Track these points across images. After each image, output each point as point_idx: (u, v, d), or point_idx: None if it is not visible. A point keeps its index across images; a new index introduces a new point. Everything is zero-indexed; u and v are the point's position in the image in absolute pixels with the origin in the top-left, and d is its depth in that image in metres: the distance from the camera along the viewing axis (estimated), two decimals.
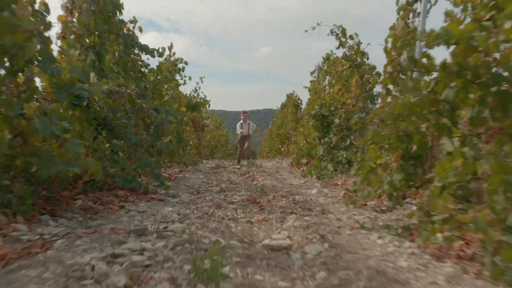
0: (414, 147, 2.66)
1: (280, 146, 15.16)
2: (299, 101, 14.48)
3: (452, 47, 2.28)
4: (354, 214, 3.14)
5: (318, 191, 4.70)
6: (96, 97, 2.94)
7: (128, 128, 3.34)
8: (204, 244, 2.03)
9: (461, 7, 3.18)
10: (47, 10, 2.95)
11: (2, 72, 2.22)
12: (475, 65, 2.11)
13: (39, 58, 2.26)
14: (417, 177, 3.49)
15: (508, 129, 2.00)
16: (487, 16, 2.58)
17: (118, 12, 4.42)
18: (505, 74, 2.19)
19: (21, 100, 2.40)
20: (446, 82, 2.22)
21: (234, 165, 10.58)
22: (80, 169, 2.72)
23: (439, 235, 2.15)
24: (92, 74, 3.08)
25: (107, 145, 3.69)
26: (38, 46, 2.13)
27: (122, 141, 3.61)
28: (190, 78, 9.27)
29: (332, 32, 6.16)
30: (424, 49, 2.37)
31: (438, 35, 2.16)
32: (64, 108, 2.91)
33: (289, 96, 16.42)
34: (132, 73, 4.89)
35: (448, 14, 3.22)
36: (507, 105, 2.09)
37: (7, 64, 2.12)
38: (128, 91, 3.45)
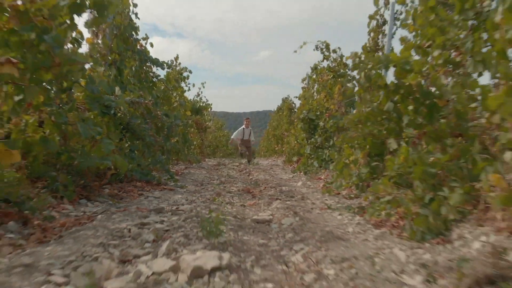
0: (367, 147, 3.23)
1: (275, 146, 15.72)
2: (293, 105, 15.04)
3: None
4: (326, 200, 3.70)
5: (303, 184, 5.27)
6: (121, 107, 3.50)
7: (146, 131, 3.89)
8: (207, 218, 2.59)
9: (413, 33, 3.74)
10: (82, 37, 3.50)
11: (54, 90, 2.78)
12: (408, 84, 2.67)
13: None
14: (379, 170, 4.05)
15: (430, 133, 2.57)
16: (427, 44, 3.16)
17: (134, 33, 4.98)
18: (434, 90, 2.76)
19: (65, 110, 2.96)
20: (388, 97, 2.78)
21: (233, 163, 11.13)
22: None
23: (383, 212, 2.71)
24: (117, 88, 3.64)
25: (126, 144, 4.26)
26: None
27: (138, 142, 4.16)
28: (193, 85, 9.82)
29: (317, 47, 6.74)
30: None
31: (380, 60, 2.73)
32: (95, 116, 3.47)
33: (284, 100, 16.98)
34: (145, 83, 5.45)
35: (402, 40, 3.79)
36: (433, 114, 2.66)
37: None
38: (146, 101, 4.02)
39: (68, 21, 2.38)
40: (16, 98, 2.26)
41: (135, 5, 4.71)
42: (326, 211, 3.07)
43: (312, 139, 6.83)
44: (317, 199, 3.84)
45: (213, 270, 1.45)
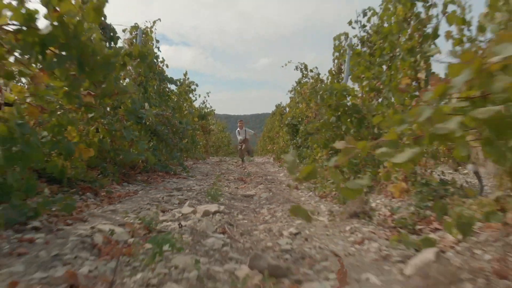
0: (328, 147, 4.22)
1: (268, 146, 16.71)
2: (284, 111, 16.02)
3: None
4: (297, 184, 4.67)
5: (284, 175, 6.25)
6: (150, 117, 4.47)
7: (167, 135, 4.87)
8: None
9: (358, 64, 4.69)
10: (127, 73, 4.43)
11: (108, 108, 3.75)
12: (344, 104, 3.66)
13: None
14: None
15: (357, 137, 3.55)
16: (361, 75, 4.15)
17: (156, 60, 5.96)
18: (363, 108, 3.75)
19: (114, 121, 3.93)
20: (332, 113, 3.77)
21: (233, 160, 12.10)
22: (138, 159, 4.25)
23: (327, 189, 3.69)
24: (146, 104, 4.61)
25: (151, 144, 5.23)
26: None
27: (161, 143, 5.13)
28: (199, 96, 10.80)
29: (297, 67, 7.74)
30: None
31: (327, 88, 3.72)
32: (132, 124, 4.44)
33: (277, 106, 17.96)
34: (163, 97, 6.43)
35: (352, 72, 4.77)
36: (360, 124, 3.65)
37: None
38: (166, 113, 4.99)
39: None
40: (90, 115, 3.24)
41: (157, 41, 5.69)
42: (294, 191, 4.05)
43: (294, 141, 7.81)
44: (291, 183, 4.81)
45: (214, 213, 2.43)
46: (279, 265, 1.36)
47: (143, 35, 5.48)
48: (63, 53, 1.84)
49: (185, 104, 8.02)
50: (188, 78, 9.85)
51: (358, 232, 1.97)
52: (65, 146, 2.69)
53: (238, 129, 11.81)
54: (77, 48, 1.83)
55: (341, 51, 5.74)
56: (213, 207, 2.48)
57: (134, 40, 5.36)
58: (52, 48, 1.87)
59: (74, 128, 3.08)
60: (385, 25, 3.67)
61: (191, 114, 8.35)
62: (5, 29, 1.93)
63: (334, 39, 5.55)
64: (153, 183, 4.46)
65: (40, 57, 1.85)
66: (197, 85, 10.00)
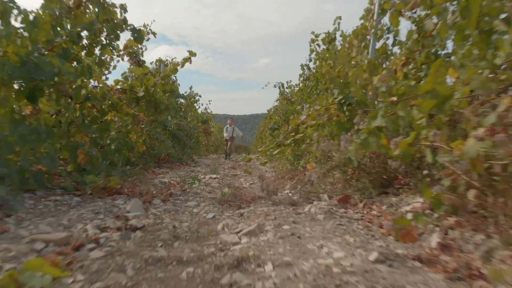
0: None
1: (259, 147, 19.00)
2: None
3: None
4: (271, 169, 6.92)
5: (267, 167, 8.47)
6: (172, 126, 6.68)
7: (182, 137, 7.09)
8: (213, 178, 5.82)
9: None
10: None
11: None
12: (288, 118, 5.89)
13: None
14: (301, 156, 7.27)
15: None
16: (301, 101, 6.37)
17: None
18: None
19: (152, 128, 6.14)
20: (281, 123, 6.00)
21: (229, 156, 14.32)
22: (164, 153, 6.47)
23: (282, 166, 5.91)
24: (170, 117, 6.83)
25: (172, 143, 7.44)
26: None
27: (179, 143, 7.35)
28: (202, 104, 12.98)
29: (275, 86, 9.96)
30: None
31: (283, 109, 5.93)
32: (161, 130, 6.66)
33: (269, 110, 20.20)
34: (178, 110, 8.64)
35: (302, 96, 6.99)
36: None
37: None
38: (182, 122, 7.18)
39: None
40: (145, 129, 5.46)
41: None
42: (266, 171, 6.28)
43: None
44: (266, 171, 7.05)
45: (214, 178, 4.66)
46: (239, 187, 3.59)
47: (165, 66, 7.66)
48: (147, 104, 4.06)
49: (190, 114, 10.22)
50: (193, 91, 12.07)
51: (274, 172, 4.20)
52: (131, 144, 4.91)
53: (228, 126, 11.70)
54: (154, 102, 4.04)
55: (303, 78, 7.96)
56: (214, 176, 4.71)
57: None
58: (142, 101, 4.09)
59: (134, 134, 5.29)
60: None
61: (195, 119, 10.57)
62: (119, 90, 4.15)
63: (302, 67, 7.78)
64: (174, 168, 6.67)
65: (136, 105, 4.07)
66: (200, 96, 12.21)
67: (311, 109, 3.61)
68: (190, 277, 1.25)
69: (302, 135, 3.60)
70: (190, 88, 11.89)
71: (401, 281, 1.13)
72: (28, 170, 2.60)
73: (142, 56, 4.97)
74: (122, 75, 4.09)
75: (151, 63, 7.84)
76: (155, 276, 1.25)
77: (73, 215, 2.05)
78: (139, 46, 4.81)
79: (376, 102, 2.39)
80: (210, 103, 15.54)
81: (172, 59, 7.40)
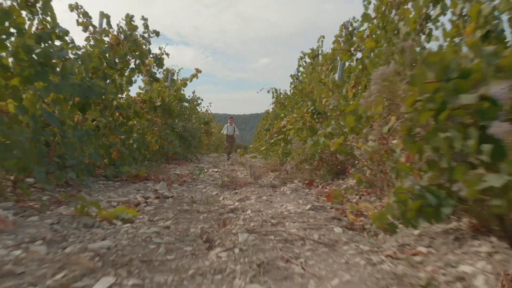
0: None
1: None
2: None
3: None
4: (264, 165, 7.92)
5: (259, 161, 9.48)
6: (179, 128, 7.67)
7: (187, 138, 8.08)
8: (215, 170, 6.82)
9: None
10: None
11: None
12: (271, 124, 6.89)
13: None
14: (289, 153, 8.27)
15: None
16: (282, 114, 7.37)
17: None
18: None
19: (164, 131, 7.13)
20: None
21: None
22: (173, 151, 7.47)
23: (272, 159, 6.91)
24: (177, 120, 7.83)
25: (178, 143, 8.44)
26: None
27: (184, 142, 8.35)
28: (204, 107, 13.99)
29: (268, 91, 10.95)
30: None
31: (270, 115, 6.91)
32: (170, 131, 7.66)
33: (266, 112, 21.18)
34: (183, 113, 9.64)
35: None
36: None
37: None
38: (188, 125, 8.17)
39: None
40: (155, 129, 6.46)
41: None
42: (256, 163, 7.29)
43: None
44: (260, 164, 8.05)
45: (216, 171, 5.66)
46: (235, 177, 4.59)
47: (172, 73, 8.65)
48: (162, 111, 5.06)
49: (193, 116, 11.22)
50: (196, 95, 13.07)
51: (265, 166, 5.18)
52: (146, 144, 5.90)
53: (228, 124, 11.71)
54: (168, 109, 5.03)
55: (293, 86, 8.94)
56: (216, 169, 5.71)
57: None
58: (159, 109, 5.09)
59: (149, 135, 6.29)
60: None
61: (197, 121, 11.57)
62: (140, 101, 5.15)
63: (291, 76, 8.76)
64: (181, 164, 7.67)
65: (154, 113, 5.06)
66: (202, 100, 13.19)
67: (291, 116, 4.60)
68: (204, 217, 2.24)
69: (283, 136, 4.57)
70: (193, 92, 12.90)
71: (317, 215, 2.13)
72: (83, 162, 3.59)
73: (158, 73, 5.97)
74: (142, 89, 5.08)
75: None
76: (185, 216, 2.24)
77: (122, 191, 3.04)
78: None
79: (329, 114, 3.39)
80: (210, 105, 16.48)
81: (179, 70, 8.37)
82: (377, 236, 1.72)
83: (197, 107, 13.09)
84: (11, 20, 2.49)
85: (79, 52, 3.54)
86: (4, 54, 2.53)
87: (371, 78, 1.72)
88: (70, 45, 3.44)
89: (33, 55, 2.65)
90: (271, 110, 18.35)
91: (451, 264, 1.30)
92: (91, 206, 2.03)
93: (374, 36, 3.17)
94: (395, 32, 2.82)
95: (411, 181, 1.50)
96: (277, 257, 1.40)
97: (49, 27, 3.08)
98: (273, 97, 11.09)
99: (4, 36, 2.50)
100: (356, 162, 3.04)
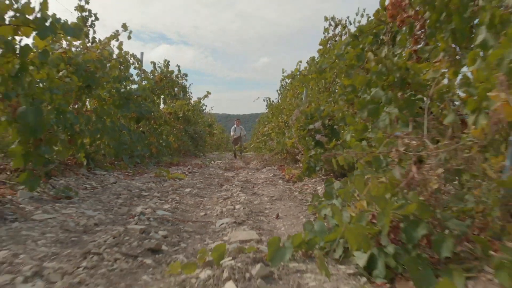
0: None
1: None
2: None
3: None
4: (253, 155, 10.02)
5: (252, 155, 11.56)
6: (190, 131, 9.73)
7: (198, 139, 10.14)
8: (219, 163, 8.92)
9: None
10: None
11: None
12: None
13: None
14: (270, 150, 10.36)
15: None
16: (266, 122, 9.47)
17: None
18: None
19: (183, 134, 9.20)
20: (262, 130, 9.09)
21: (229, 153, 17.41)
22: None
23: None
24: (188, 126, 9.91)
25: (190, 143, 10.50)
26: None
27: (193, 142, 10.44)
28: (206, 111, 16.09)
29: (264, 100, 13.01)
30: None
31: (261, 119, 8.99)
32: (184, 134, 9.74)
33: (261, 115, 23.27)
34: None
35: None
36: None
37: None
38: (197, 128, 10.21)
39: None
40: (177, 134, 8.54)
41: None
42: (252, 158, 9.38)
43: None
44: (252, 156, 10.15)
45: (220, 162, 7.74)
46: (234, 164, 6.67)
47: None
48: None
49: (199, 120, 13.32)
50: (201, 102, 15.11)
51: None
52: (169, 143, 7.97)
53: (235, 126, 12.13)
54: (187, 119, 7.10)
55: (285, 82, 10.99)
56: (220, 161, 7.79)
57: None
58: (181, 119, 7.16)
59: (171, 137, 8.36)
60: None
61: (203, 124, 13.67)
62: (168, 113, 7.22)
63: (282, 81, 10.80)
64: (193, 158, 9.74)
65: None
66: (206, 106, 15.25)
67: (271, 123, 6.68)
68: (217, 180, 4.31)
69: (265, 137, 6.65)
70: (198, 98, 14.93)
71: (273, 177, 4.22)
72: (139, 155, 5.65)
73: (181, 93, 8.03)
74: (169, 105, 7.14)
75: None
76: (207, 178, 4.32)
77: (170, 170, 5.12)
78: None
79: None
80: (212, 109, 18.59)
81: (189, 85, 10.43)
82: (295, 182, 3.79)
83: (202, 112, 15.15)
84: (112, 74, 4.53)
85: (136, 86, 5.61)
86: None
87: (294, 113, 3.80)
88: (132, 81, 5.50)
89: (120, 93, 4.70)
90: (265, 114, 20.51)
91: (315, 187, 3.36)
92: (163, 172, 4.09)
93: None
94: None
95: (305, 158, 3.57)
96: (250, 187, 3.48)
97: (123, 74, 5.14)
98: (267, 105, 13.16)
99: (105, 83, 4.55)
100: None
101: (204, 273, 1.21)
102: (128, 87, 4.74)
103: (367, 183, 1.36)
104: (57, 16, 2.50)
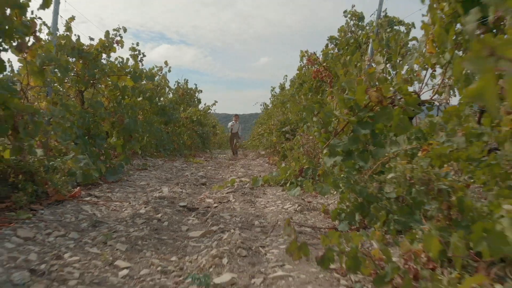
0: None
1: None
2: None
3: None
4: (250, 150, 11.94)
5: (249, 151, 13.50)
6: (200, 131, 11.64)
7: (205, 138, 12.05)
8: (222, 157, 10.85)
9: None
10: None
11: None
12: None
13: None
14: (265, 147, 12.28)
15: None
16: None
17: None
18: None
19: (196, 135, 11.11)
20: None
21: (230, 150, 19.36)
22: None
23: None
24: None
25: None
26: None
27: (203, 140, 12.38)
28: (211, 113, 18.03)
29: (260, 104, 14.88)
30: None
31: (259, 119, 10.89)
32: (194, 133, 11.66)
33: (259, 116, 25.17)
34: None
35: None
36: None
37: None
38: (204, 128, 12.10)
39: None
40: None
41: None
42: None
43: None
44: (253, 158, 12.06)
45: (224, 156, 9.67)
46: (237, 158, 8.59)
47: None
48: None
49: (207, 122, 15.26)
50: (205, 103, 17.04)
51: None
52: (184, 141, 9.89)
53: (233, 122, 11.71)
54: (200, 122, 9.02)
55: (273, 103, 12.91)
56: (222, 156, 9.72)
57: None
58: (195, 122, 9.09)
59: (185, 136, 10.29)
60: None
61: (208, 125, 15.60)
62: (185, 117, 9.15)
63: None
64: (202, 154, 11.65)
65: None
66: (210, 108, 17.20)
67: (264, 126, 8.60)
68: (225, 164, 6.23)
69: (260, 137, 8.58)
70: (205, 104, 16.84)
71: (263, 163, 6.15)
72: (169, 149, 7.57)
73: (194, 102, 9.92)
74: (186, 112, 9.04)
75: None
76: (218, 163, 6.25)
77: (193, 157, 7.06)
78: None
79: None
80: (214, 110, 20.52)
81: (199, 91, 12.37)
82: (275, 165, 5.73)
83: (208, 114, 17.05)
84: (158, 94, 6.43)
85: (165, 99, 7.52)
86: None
87: (274, 121, 5.72)
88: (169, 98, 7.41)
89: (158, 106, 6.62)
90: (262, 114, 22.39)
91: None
92: (190, 159, 6.02)
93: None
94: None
95: (281, 149, 5.49)
96: (246, 167, 5.41)
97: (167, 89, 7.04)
98: (263, 109, 15.04)
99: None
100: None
101: (227, 189, 3.14)
102: (162, 100, 6.64)
103: (294, 153, 3.30)
104: (140, 67, 4.43)
